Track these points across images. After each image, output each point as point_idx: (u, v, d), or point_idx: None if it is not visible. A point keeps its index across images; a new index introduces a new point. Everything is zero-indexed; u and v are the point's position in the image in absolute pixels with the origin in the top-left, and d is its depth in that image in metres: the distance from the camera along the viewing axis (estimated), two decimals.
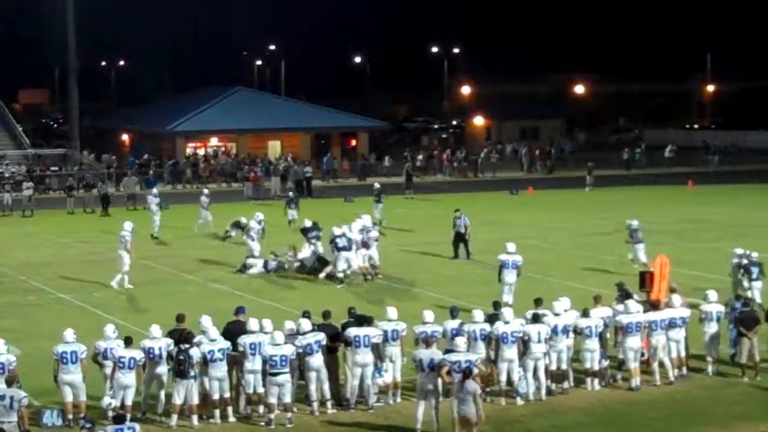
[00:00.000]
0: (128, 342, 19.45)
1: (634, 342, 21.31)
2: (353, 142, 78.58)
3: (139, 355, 19.26)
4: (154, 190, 46.64)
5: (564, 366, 21.19)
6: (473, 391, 17.95)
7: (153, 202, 44.28)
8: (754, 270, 27.34)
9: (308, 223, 34.86)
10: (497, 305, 22.11)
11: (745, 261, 27.79)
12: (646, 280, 23.87)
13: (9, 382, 17.80)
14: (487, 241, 36.17)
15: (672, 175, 67.88)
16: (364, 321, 20.62)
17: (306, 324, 20.17)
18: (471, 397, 17.92)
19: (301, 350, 19.72)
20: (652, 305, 22.21)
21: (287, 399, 19.37)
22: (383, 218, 43.78)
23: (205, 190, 45.56)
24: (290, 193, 48.77)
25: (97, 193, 52.72)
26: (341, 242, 32.00)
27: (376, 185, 47.67)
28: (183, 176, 64.99)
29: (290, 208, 44.49)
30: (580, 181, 61.78)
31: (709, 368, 22.29)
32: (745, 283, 27.27)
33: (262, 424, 19.39)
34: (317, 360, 19.87)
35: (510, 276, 27.95)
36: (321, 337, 19.98)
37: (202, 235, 42.30)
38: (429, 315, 20.71)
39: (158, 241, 41.14)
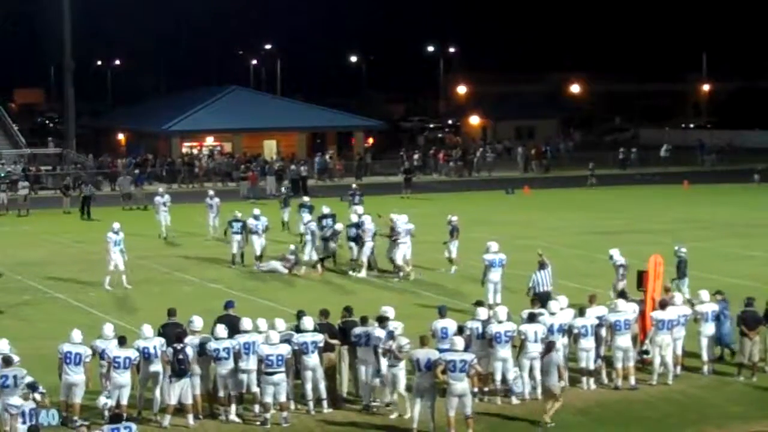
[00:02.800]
0: (122, 341, 19.43)
1: (623, 341, 21.29)
2: (370, 140, 79.76)
3: (134, 354, 19.25)
4: (160, 189, 45.25)
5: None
6: (557, 363, 19.28)
7: (160, 203, 42.80)
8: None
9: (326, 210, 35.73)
10: (480, 304, 22.08)
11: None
12: (644, 279, 23.85)
13: (8, 362, 18.10)
14: (483, 241, 36.11)
15: (667, 174, 67.95)
16: (357, 322, 20.67)
17: (309, 322, 20.19)
18: (555, 369, 19.19)
19: (297, 348, 19.74)
20: (661, 305, 22.12)
21: (282, 398, 19.38)
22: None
23: (210, 192, 43.65)
24: (283, 189, 48.44)
25: (79, 193, 50.97)
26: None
27: (353, 186, 46.88)
28: (178, 176, 65.04)
29: (285, 207, 43.76)
30: (576, 180, 61.87)
31: (705, 368, 22.30)
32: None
33: (258, 423, 19.39)
34: (313, 359, 19.87)
35: (496, 275, 27.96)
36: (319, 338, 20.00)
37: (212, 239, 40.87)
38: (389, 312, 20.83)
39: (165, 242, 41.20)
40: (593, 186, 60.57)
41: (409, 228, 33.10)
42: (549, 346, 19.75)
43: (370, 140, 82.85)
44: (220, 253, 37.20)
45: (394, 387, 19.82)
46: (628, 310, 21.61)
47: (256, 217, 35.49)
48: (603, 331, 21.54)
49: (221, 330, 19.81)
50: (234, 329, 20.05)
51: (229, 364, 19.56)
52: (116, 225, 32.88)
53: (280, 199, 45.73)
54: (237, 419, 19.58)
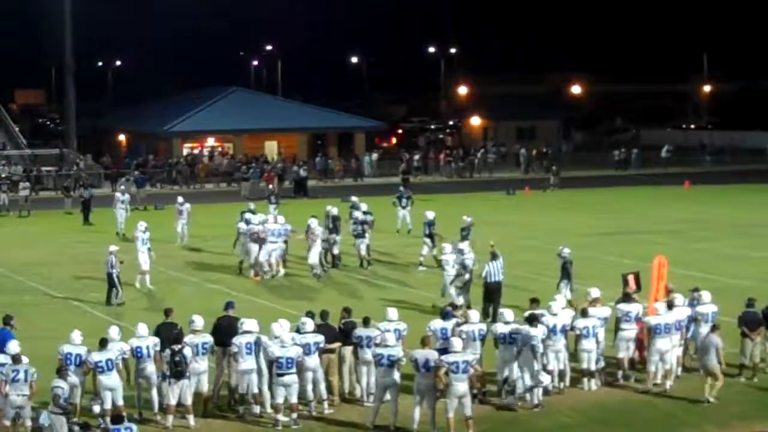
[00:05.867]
0: (102, 344, 19.27)
1: (662, 344, 21.18)
2: (393, 140, 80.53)
3: (114, 354, 19.14)
4: (122, 187, 46.28)
5: (562, 366, 21.20)
6: (716, 344, 20.33)
7: (119, 200, 43.55)
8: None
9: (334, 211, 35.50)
10: (455, 307, 22.07)
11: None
12: (628, 281, 23.75)
13: (18, 360, 18.52)
14: (485, 243, 36.12)
15: (668, 175, 67.94)
16: (356, 323, 20.76)
17: (309, 324, 20.20)
18: (714, 349, 20.29)
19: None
20: (667, 306, 22.06)
21: (294, 399, 19.37)
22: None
23: (180, 198, 41.41)
24: (270, 187, 49.64)
25: (78, 196, 50.30)
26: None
27: (401, 188, 45.63)
28: (180, 176, 65.07)
29: (271, 203, 43.90)
30: (577, 181, 61.88)
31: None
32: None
33: (270, 425, 19.34)
34: (314, 360, 19.87)
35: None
36: (320, 339, 20.01)
37: (181, 246, 39.57)
38: (393, 313, 20.90)
39: (120, 238, 41.21)
40: (555, 188, 60.25)
41: (276, 229, 33.06)
42: (715, 326, 20.91)
43: (393, 140, 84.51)
44: (221, 254, 37.16)
45: None
46: (664, 313, 21.48)
47: (246, 222, 34.13)
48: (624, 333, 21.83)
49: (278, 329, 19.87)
50: (233, 330, 20.05)
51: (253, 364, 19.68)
52: (142, 224, 32.84)
53: (266, 196, 46.06)
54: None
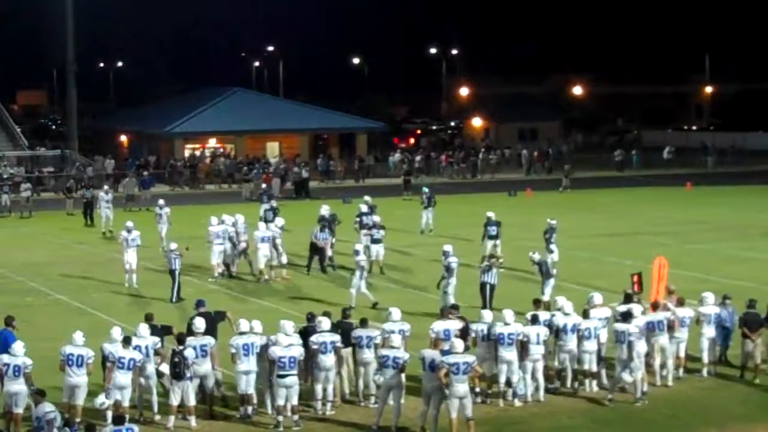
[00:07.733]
0: (127, 342, 19.39)
1: (642, 347, 21.13)
2: (411, 140, 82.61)
3: (138, 356, 19.24)
4: (106, 187, 46.93)
5: (566, 365, 21.22)
6: None
7: (103, 199, 44.03)
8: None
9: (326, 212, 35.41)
10: (455, 308, 22.16)
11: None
12: (634, 282, 23.77)
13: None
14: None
15: (670, 176, 67.94)
16: (353, 324, 20.86)
17: (326, 323, 20.24)
18: None
19: (315, 347, 19.80)
20: (653, 307, 22.12)
21: (295, 401, 19.38)
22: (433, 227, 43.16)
23: (161, 201, 40.31)
24: (264, 186, 50.19)
25: (80, 197, 49.66)
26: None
27: (425, 189, 45.01)
28: (181, 177, 65.06)
29: (263, 203, 43.59)
30: (579, 182, 61.79)
31: (704, 370, 22.28)
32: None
33: (272, 426, 19.36)
34: (330, 360, 19.91)
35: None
36: (337, 338, 20.07)
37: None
38: (396, 313, 20.94)
39: (104, 237, 42.18)
40: (567, 189, 60.22)
41: (219, 231, 32.88)
42: None
43: (411, 140, 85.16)
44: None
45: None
46: (638, 315, 21.46)
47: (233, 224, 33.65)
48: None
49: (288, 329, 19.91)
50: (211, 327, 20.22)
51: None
52: (129, 224, 32.86)
53: (259, 195, 46.28)
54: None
